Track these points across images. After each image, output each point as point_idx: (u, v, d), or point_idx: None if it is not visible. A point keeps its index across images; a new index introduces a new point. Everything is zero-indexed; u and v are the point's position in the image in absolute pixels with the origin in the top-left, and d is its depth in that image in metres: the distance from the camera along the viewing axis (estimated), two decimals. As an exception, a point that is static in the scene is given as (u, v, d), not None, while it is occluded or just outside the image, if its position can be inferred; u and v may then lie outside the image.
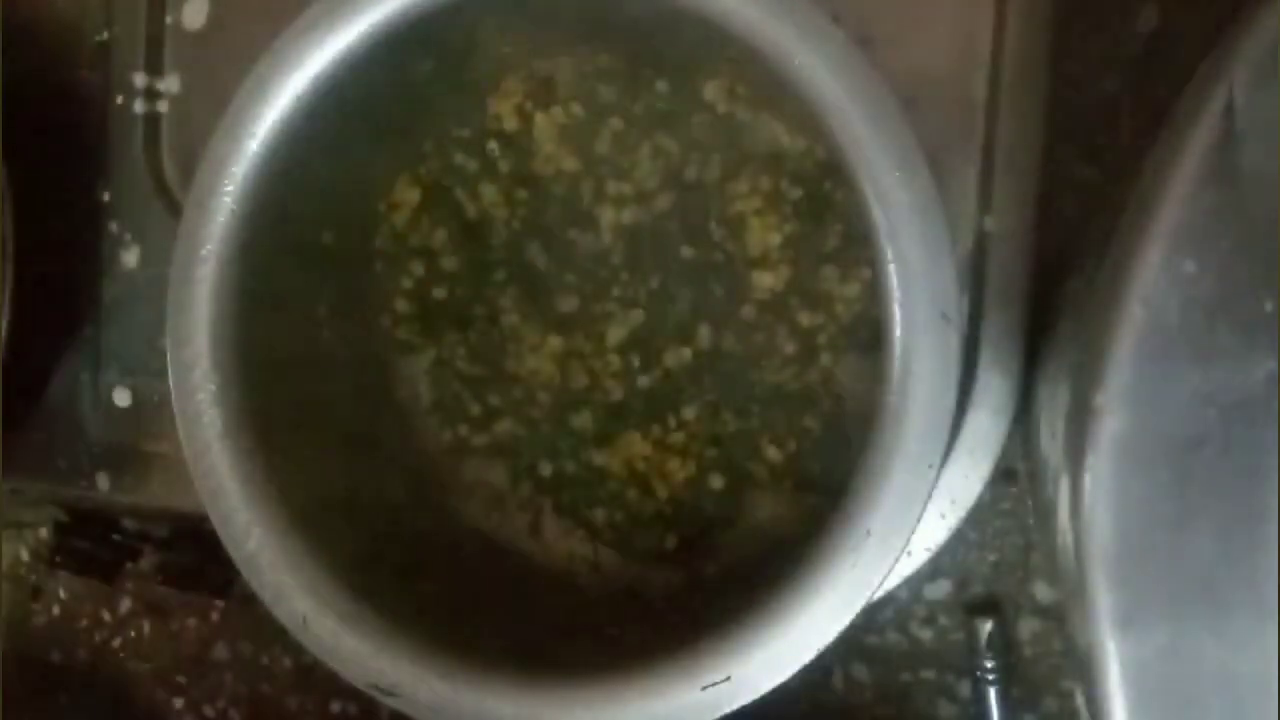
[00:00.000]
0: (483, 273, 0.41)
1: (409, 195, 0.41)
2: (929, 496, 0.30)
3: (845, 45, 0.31)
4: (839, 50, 0.30)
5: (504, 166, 0.41)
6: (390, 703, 0.32)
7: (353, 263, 0.41)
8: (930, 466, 0.30)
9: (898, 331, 0.30)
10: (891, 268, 0.30)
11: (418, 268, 0.41)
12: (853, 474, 0.31)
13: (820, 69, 0.30)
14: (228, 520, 0.34)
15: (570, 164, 0.40)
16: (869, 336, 0.38)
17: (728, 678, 0.30)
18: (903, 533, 0.30)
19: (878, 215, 0.30)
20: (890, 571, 0.30)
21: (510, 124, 0.40)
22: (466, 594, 0.38)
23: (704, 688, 0.31)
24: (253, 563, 0.33)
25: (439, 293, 0.41)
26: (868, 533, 0.30)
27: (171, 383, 0.34)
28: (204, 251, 0.34)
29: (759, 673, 0.31)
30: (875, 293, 0.31)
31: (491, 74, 0.40)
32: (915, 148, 0.30)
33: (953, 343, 0.30)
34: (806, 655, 0.31)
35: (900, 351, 0.30)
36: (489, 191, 0.40)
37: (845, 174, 0.31)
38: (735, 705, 0.31)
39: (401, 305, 0.42)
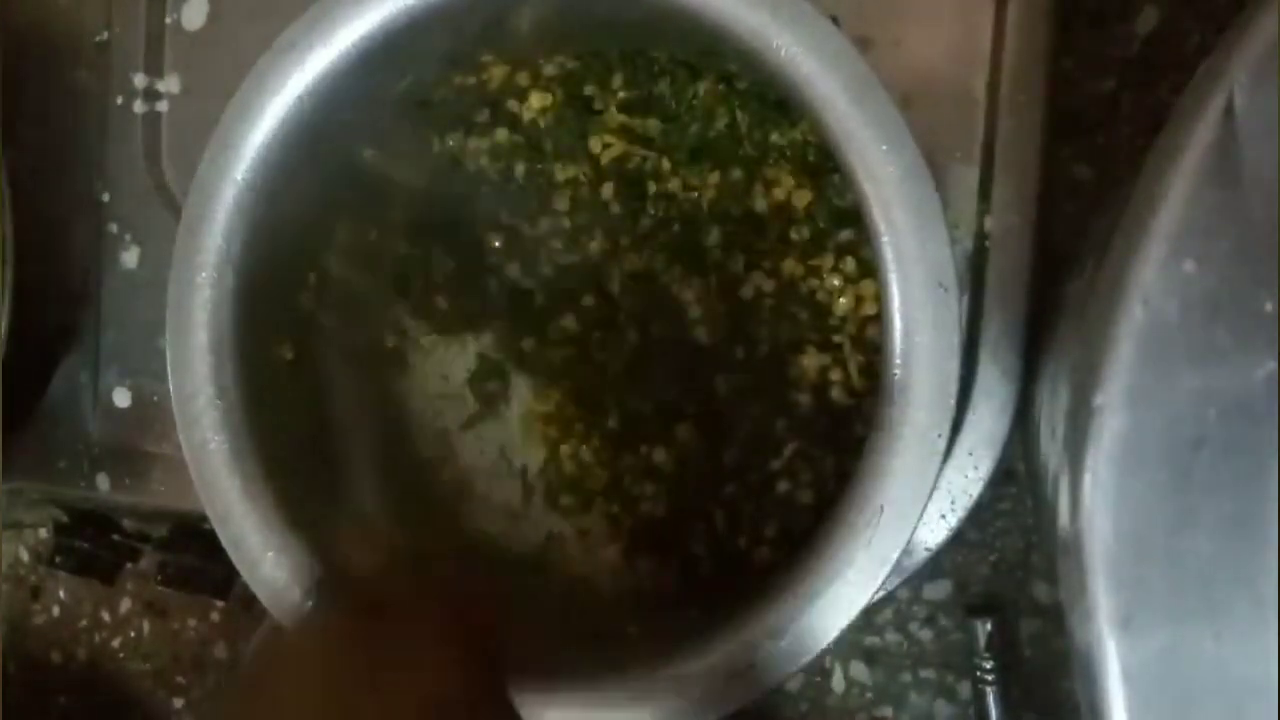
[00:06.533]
0: (480, 280, 0.41)
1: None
2: (940, 467, 0.30)
3: (827, 29, 0.30)
4: (818, 30, 0.30)
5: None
6: None
7: (351, 277, 0.41)
8: (939, 436, 0.30)
9: (896, 304, 0.30)
10: (885, 240, 0.30)
11: (417, 279, 0.41)
12: (861, 448, 0.31)
13: (800, 49, 0.30)
14: (239, 543, 0.34)
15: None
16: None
17: (750, 666, 0.30)
18: (917, 505, 0.30)
19: (867, 190, 0.30)
20: (907, 544, 0.30)
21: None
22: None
23: (726, 678, 0.31)
24: (269, 583, 0.33)
25: (441, 302, 0.41)
26: (881, 508, 0.30)
27: (175, 410, 0.34)
28: (199, 279, 0.34)
29: (780, 658, 0.31)
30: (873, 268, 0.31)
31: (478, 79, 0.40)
32: (901, 122, 0.30)
33: (952, 311, 0.30)
34: (829, 636, 0.31)
35: (900, 324, 0.30)
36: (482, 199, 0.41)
37: (834, 152, 0.31)
38: (756, 694, 0.31)
39: (403, 319, 0.42)
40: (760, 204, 0.39)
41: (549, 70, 0.39)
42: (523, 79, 0.39)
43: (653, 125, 0.39)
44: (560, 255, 0.41)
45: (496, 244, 0.41)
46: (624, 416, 0.41)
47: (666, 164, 0.39)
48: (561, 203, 0.41)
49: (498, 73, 0.39)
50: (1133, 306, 0.23)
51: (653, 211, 0.40)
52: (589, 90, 0.40)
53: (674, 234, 0.40)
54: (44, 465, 0.46)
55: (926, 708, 0.49)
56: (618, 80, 0.39)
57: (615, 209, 0.40)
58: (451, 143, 0.41)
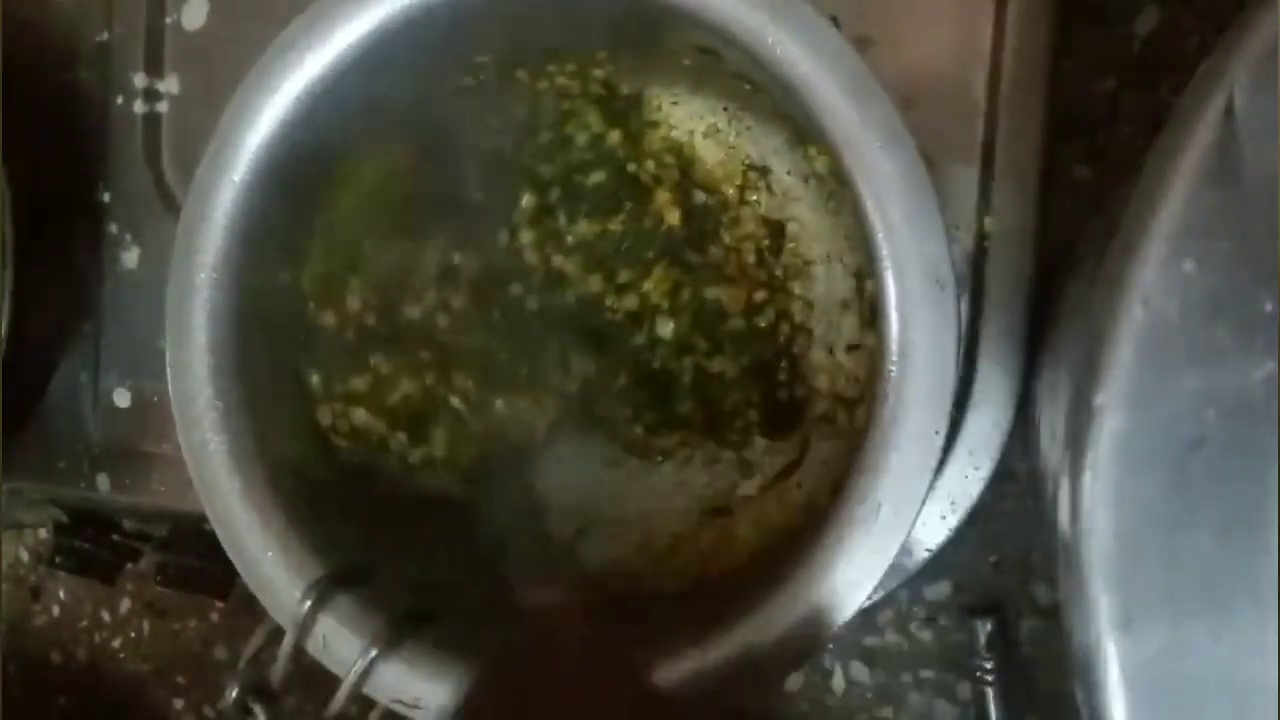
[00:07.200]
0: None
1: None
2: (937, 465, 0.30)
3: (825, 28, 0.30)
4: (815, 30, 0.30)
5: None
6: (414, 715, 0.32)
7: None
8: (936, 433, 0.30)
9: (893, 301, 0.30)
10: (880, 238, 0.30)
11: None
12: (859, 447, 0.31)
13: (793, 45, 0.30)
14: (239, 543, 0.34)
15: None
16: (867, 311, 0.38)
17: (750, 666, 0.30)
18: (914, 503, 0.30)
19: (863, 188, 0.30)
20: (903, 543, 0.30)
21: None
22: (484, 606, 0.38)
23: (718, 677, 0.31)
24: (269, 585, 0.33)
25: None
26: (879, 506, 0.30)
27: (175, 411, 0.34)
28: (199, 279, 0.34)
29: (779, 656, 0.31)
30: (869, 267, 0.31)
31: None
32: (897, 119, 0.30)
33: (949, 308, 0.30)
34: (825, 634, 0.30)
35: (897, 321, 0.30)
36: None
37: (829, 149, 0.31)
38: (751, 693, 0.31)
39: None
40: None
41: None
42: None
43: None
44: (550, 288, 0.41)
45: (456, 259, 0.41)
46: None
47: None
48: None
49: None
50: (1133, 306, 0.23)
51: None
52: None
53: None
54: (44, 465, 0.46)
55: (926, 708, 0.49)
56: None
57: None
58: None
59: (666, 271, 0.41)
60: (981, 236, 0.38)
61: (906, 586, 0.48)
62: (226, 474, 0.34)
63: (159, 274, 0.35)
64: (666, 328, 0.41)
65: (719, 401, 0.41)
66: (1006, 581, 0.48)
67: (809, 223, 0.40)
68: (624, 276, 0.41)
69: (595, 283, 0.41)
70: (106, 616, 0.61)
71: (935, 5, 0.38)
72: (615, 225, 0.41)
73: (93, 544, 0.50)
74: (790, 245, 0.40)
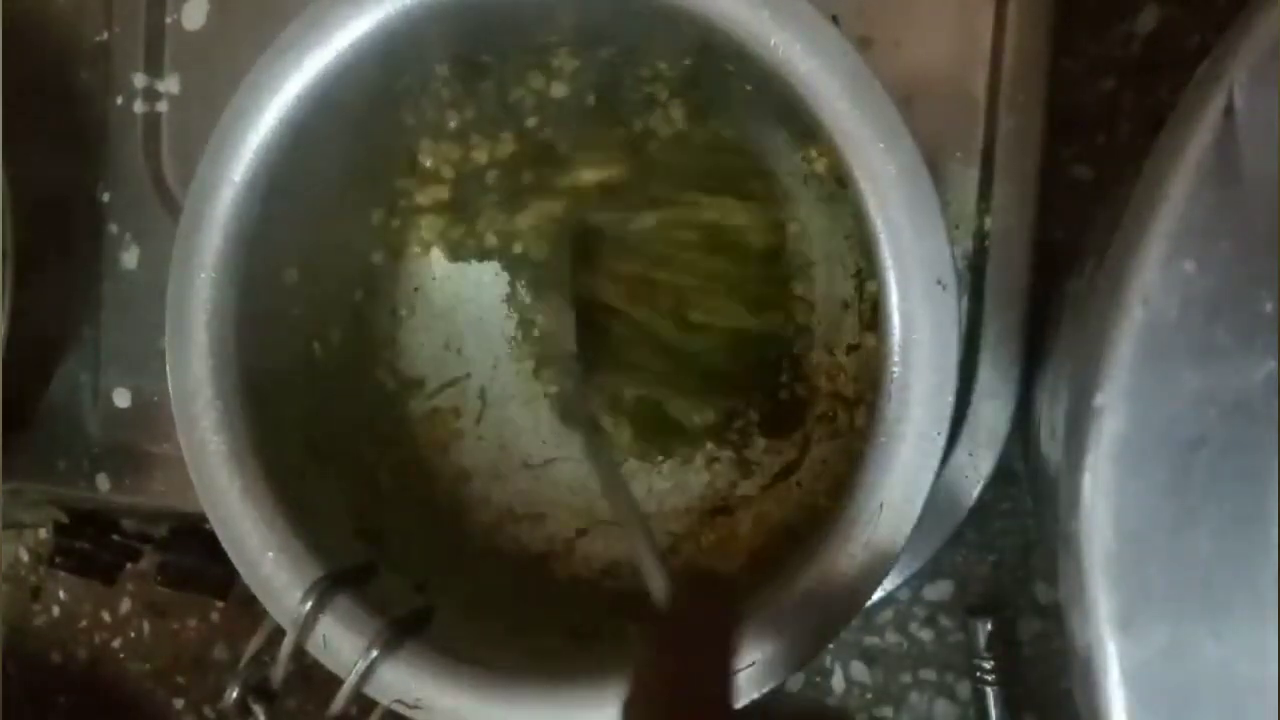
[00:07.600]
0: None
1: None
2: (939, 465, 0.30)
3: (826, 28, 0.30)
4: (816, 30, 0.30)
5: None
6: (414, 715, 0.32)
7: (349, 277, 0.41)
8: (938, 434, 0.30)
9: (895, 302, 0.30)
10: (883, 238, 0.30)
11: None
12: (862, 447, 0.31)
13: (798, 48, 0.30)
14: (239, 543, 0.34)
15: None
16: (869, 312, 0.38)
17: (752, 663, 0.30)
18: (916, 503, 0.30)
19: (865, 188, 0.30)
20: (906, 542, 0.30)
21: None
22: (484, 606, 0.38)
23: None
24: (268, 585, 0.33)
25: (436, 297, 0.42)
26: (881, 505, 0.30)
27: (175, 411, 0.34)
28: (199, 279, 0.34)
29: (783, 655, 0.31)
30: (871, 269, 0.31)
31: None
32: (899, 120, 0.30)
33: (951, 308, 0.30)
34: (830, 634, 0.31)
35: (899, 321, 0.30)
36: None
37: (830, 149, 0.31)
38: (761, 691, 0.31)
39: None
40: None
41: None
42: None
43: None
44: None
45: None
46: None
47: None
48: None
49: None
50: (1133, 306, 0.23)
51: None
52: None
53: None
54: (44, 465, 0.46)
55: (926, 708, 0.49)
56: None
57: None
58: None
59: (725, 302, 0.40)
60: (981, 236, 0.38)
61: (906, 586, 0.48)
62: (226, 474, 0.34)
63: (159, 274, 0.35)
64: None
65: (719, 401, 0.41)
66: (1006, 581, 0.48)
67: (809, 223, 0.40)
68: (696, 317, 0.40)
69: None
70: (106, 616, 0.61)
71: (935, 5, 0.38)
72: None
73: (93, 544, 0.50)
74: (790, 245, 0.40)
